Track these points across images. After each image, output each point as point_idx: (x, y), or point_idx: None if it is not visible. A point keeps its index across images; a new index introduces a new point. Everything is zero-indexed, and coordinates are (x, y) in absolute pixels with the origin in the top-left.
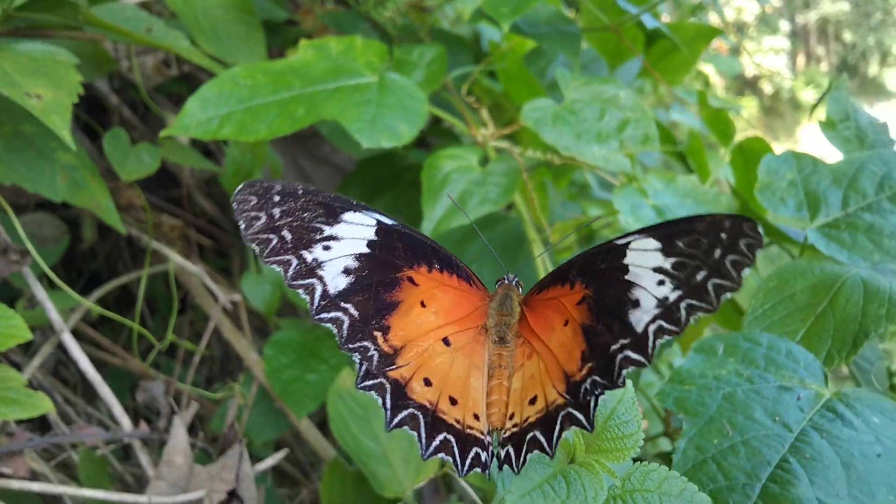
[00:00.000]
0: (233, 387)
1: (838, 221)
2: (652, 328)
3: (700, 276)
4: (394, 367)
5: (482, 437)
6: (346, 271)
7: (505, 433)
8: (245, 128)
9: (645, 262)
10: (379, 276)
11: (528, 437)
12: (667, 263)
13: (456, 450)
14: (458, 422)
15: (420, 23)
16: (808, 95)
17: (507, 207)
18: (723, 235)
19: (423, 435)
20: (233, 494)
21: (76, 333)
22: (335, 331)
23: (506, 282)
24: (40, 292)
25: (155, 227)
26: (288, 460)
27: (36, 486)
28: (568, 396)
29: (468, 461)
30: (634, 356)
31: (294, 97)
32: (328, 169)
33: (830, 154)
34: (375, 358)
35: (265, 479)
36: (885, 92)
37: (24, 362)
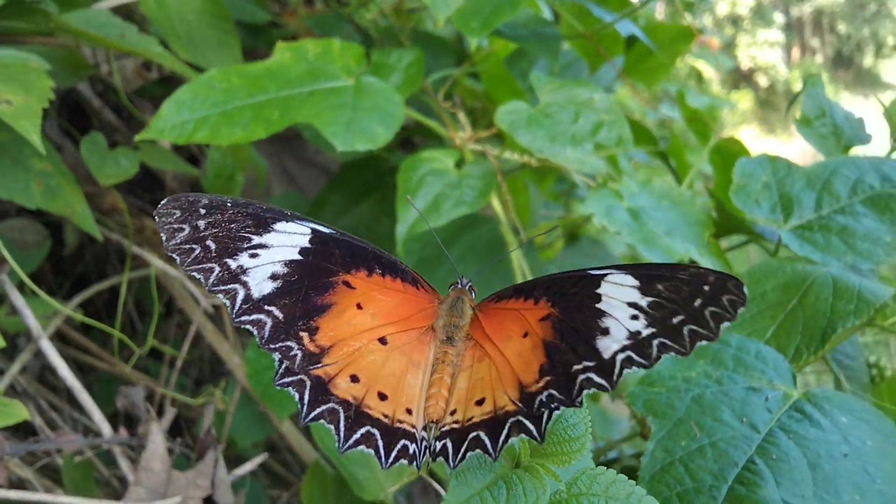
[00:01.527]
0: (213, 392)
1: (811, 223)
2: (620, 357)
3: (676, 319)
4: (319, 365)
5: (412, 430)
6: (274, 277)
7: (444, 426)
8: (219, 131)
9: (619, 296)
10: (310, 281)
11: (471, 435)
12: (643, 301)
13: (380, 442)
14: (385, 416)
15: (401, 25)
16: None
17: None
18: (706, 288)
19: (343, 428)
20: (209, 500)
21: (63, 339)
22: (255, 332)
23: (458, 286)
24: (17, 299)
25: (138, 231)
26: (279, 462)
27: (14, 494)
28: (520, 404)
29: (394, 453)
30: (598, 380)
31: (269, 101)
32: (313, 170)
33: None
34: (299, 357)
35: (245, 483)
36: (881, 83)
37: (6, 368)
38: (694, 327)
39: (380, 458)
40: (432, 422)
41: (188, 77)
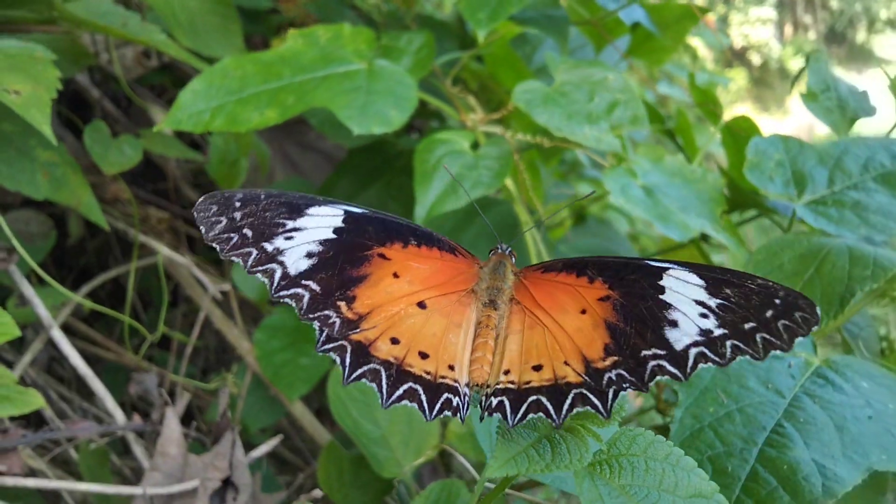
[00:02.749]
0: (225, 377)
1: (825, 198)
2: (693, 351)
3: (748, 325)
4: (357, 330)
5: (455, 384)
6: (310, 255)
7: (499, 384)
8: (236, 118)
9: (685, 292)
10: (346, 256)
11: (531, 398)
12: (711, 302)
13: (423, 397)
14: (427, 373)
15: (405, 8)
16: (796, 65)
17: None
18: (777, 301)
19: (385, 385)
20: (227, 482)
21: (70, 330)
22: (294, 305)
23: (499, 251)
24: (27, 289)
25: (142, 221)
26: (287, 447)
27: (31, 482)
28: (586, 377)
29: (438, 405)
30: (670, 368)
31: (284, 86)
32: (315, 155)
33: (819, 123)
34: (338, 324)
35: (261, 466)
36: (874, 58)
37: (16, 360)
38: (767, 336)
39: (423, 410)
40: (477, 385)
41: (191, 65)
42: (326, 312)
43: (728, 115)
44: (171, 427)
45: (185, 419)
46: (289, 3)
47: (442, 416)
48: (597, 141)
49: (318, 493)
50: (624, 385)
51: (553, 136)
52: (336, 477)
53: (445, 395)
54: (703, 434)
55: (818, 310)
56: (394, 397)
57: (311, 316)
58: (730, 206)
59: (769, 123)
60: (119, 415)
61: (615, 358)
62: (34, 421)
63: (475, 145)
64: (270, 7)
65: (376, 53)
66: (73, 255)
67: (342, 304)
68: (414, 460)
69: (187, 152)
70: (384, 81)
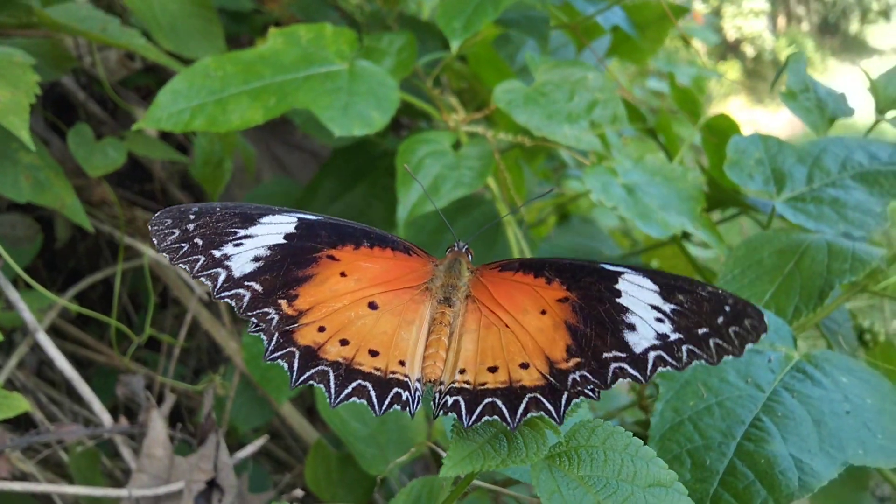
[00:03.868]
0: (212, 378)
1: (804, 195)
2: (652, 355)
3: (701, 331)
4: (296, 325)
5: (405, 379)
6: (257, 259)
7: (454, 383)
8: (216, 119)
9: (640, 296)
10: (293, 258)
11: (486, 400)
12: (665, 307)
13: (372, 393)
14: (377, 370)
15: (388, 9)
16: None
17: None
18: (726, 308)
19: (334, 385)
20: (212, 483)
21: (59, 333)
22: (234, 305)
23: (455, 248)
24: (12, 293)
25: (129, 222)
26: (281, 447)
27: (18, 486)
28: (550, 378)
29: (387, 400)
30: (631, 371)
31: (265, 87)
32: (302, 154)
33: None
34: (275, 320)
35: (247, 466)
36: (867, 49)
37: (3, 364)
38: (720, 342)
39: (372, 406)
40: (429, 381)
41: (172, 67)
42: (266, 310)
43: (721, 107)
44: (157, 429)
45: (173, 421)
46: (272, 4)
47: (392, 409)
48: (576, 140)
49: (299, 492)
50: (588, 387)
51: (534, 136)
52: (324, 475)
53: (395, 390)
54: (682, 427)
55: (766, 318)
56: (342, 395)
57: (249, 314)
58: (710, 203)
59: (762, 116)
60: (106, 417)
61: (578, 359)
62: (23, 424)
63: (457, 145)
64: (254, 7)
65: (358, 54)
66: (62, 257)
67: (283, 301)
68: (400, 456)
69: (171, 154)
70: (366, 82)
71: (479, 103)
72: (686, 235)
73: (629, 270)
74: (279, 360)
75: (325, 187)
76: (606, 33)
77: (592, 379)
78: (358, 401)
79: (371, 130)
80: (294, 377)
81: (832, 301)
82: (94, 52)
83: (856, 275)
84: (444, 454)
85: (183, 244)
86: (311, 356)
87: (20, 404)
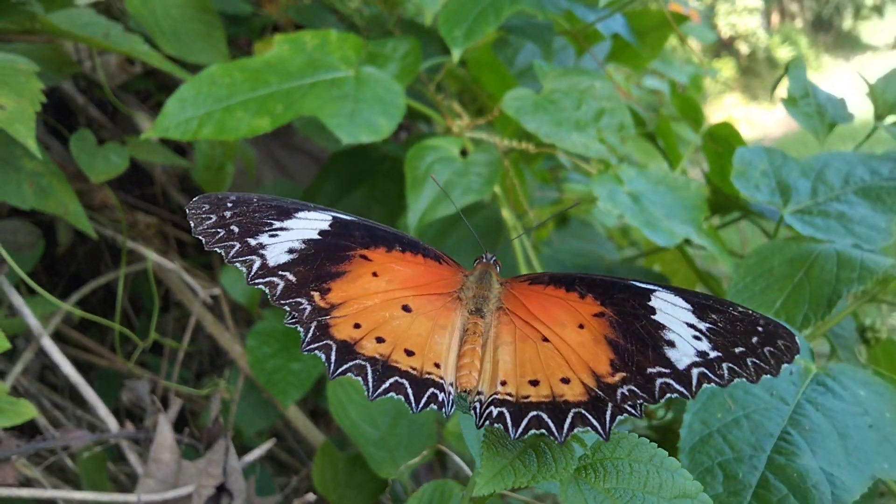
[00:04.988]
0: (217, 382)
1: (810, 208)
2: (695, 371)
3: (738, 350)
4: (328, 317)
5: (440, 381)
6: (291, 251)
7: (496, 394)
8: (224, 127)
9: (675, 314)
10: (327, 254)
11: (532, 413)
12: (700, 325)
13: (409, 390)
14: (413, 369)
15: (388, 12)
16: (784, 54)
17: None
18: (759, 328)
19: (372, 379)
20: (221, 488)
21: (62, 338)
22: (268, 291)
23: (484, 260)
24: (17, 299)
25: (131, 226)
26: (284, 449)
27: (25, 492)
28: (599, 391)
29: (424, 399)
30: (678, 387)
31: (272, 94)
32: (303, 157)
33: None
34: (308, 311)
35: (255, 470)
36: (861, 45)
37: (8, 370)
38: (757, 361)
39: (410, 403)
40: (465, 391)
41: (173, 73)
42: (298, 299)
43: (717, 105)
44: (164, 433)
45: (179, 425)
46: (271, 7)
47: (428, 408)
48: (585, 148)
49: (311, 496)
50: (637, 401)
51: (540, 142)
52: (331, 477)
53: (431, 390)
54: (712, 440)
55: (798, 339)
56: (380, 390)
57: (282, 301)
58: (711, 209)
59: (758, 113)
60: (112, 422)
61: (623, 374)
62: (28, 429)
63: (464, 151)
64: (252, 10)
65: (362, 60)
66: (64, 262)
67: (316, 294)
68: (410, 459)
69: (173, 158)
70: (372, 89)
71: (478, 106)
72: (687, 241)
73: (660, 288)
74: (316, 352)
75: (325, 190)
76: (606, 39)
77: (640, 394)
78: (396, 396)
79: (378, 137)
80: (332, 368)
81: (842, 310)
82: (95, 56)
83: (863, 283)
84: (453, 455)
85: (219, 230)
86: (348, 350)
87: (27, 411)
